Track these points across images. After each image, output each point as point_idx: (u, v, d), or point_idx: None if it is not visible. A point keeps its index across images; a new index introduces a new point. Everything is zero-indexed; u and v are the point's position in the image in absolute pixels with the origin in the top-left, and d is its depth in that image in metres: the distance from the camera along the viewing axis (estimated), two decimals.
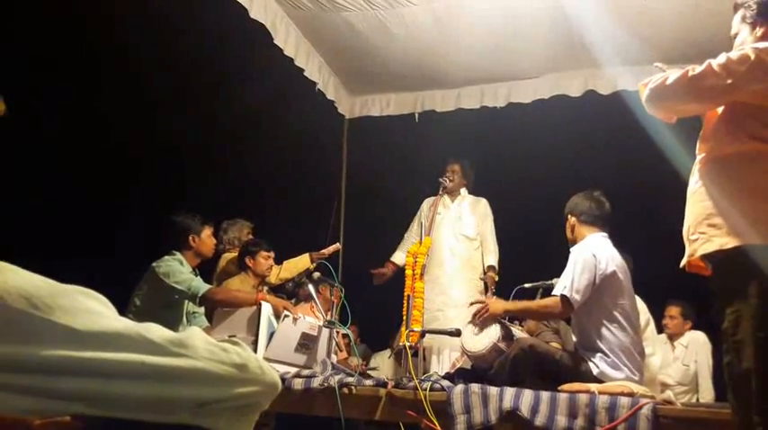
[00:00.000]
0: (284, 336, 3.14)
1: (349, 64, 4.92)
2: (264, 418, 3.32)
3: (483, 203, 4.82)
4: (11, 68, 4.77)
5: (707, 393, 4.66)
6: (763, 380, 1.66)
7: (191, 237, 3.72)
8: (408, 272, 3.89)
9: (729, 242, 1.78)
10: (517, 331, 3.15)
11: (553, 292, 3.01)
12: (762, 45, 1.85)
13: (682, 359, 4.77)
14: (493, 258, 4.71)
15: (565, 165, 5.87)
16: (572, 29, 4.04)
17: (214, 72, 5.90)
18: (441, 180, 4.65)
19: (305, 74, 4.63)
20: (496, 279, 4.66)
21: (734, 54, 1.85)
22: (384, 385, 2.74)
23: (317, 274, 3.70)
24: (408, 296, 3.75)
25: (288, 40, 4.33)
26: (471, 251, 4.69)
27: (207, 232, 3.82)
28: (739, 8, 2.07)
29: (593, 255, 2.98)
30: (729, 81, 1.82)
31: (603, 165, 5.69)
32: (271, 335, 3.11)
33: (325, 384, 2.73)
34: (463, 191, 4.82)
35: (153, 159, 6.14)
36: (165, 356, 0.93)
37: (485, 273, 4.69)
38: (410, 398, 2.63)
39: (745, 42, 2.01)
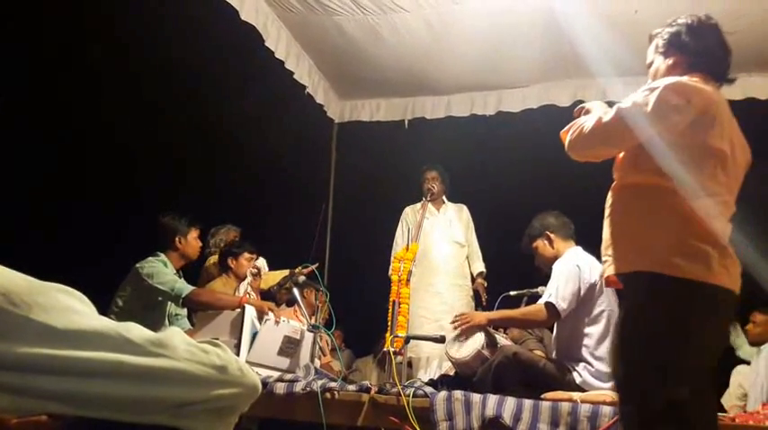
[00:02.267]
0: (266, 339, 3.11)
1: (339, 68, 4.92)
2: (247, 423, 3.30)
3: (465, 210, 4.84)
4: (10, 69, 4.75)
5: None
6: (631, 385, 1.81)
7: (177, 239, 3.68)
8: (394, 277, 3.87)
9: (622, 267, 1.91)
10: (501, 339, 3.16)
11: (539, 302, 3.03)
12: (665, 81, 1.92)
13: None
14: (481, 265, 4.74)
15: (552, 174, 5.89)
16: (563, 39, 4.07)
17: (203, 74, 5.88)
18: (428, 187, 4.66)
19: (295, 77, 4.63)
20: (485, 285, 4.68)
21: (639, 96, 1.92)
22: (367, 390, 2.73)
23: (302, 278, 3.68)
24: (394, 302, 3.74)
25: (279, 42, 4.32)
26: (462, 258, 4.70)
27: (193, 234, 3.77)
28: (654, 38, 2.15)
29: (577, 265, 3.01)
30: (636, 127, 1.91)
31: (590, 176, 5.71)
32: (253, 339, 3.09)
33: (308, 389, 2.71)
34: (443, 197, 4.83)
35: (142, 162, 6.11)
36: (144, 356, 0.92)
37: (473, 280, 4.70)
38: (393, 404, 2.63)
39: (658, 71, 2.10)
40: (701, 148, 1.87)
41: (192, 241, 3.74)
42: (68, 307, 0.92)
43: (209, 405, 0.96)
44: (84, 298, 0.97)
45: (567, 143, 2.09)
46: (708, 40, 2.04)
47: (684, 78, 1.95)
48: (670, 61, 2.07)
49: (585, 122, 2.02)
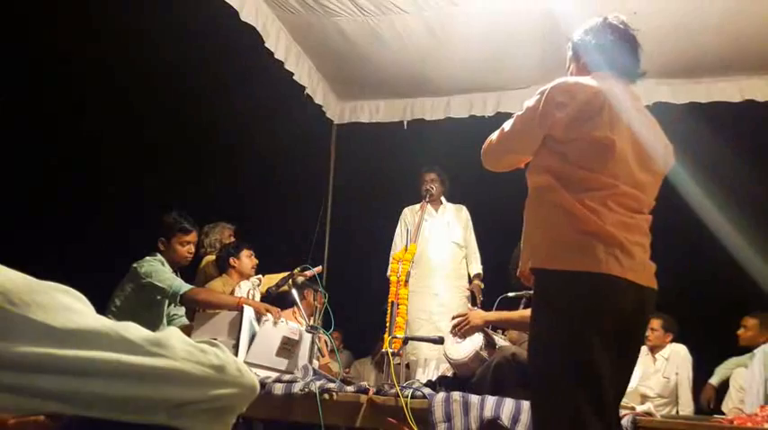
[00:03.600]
0: (265, 340, 3.11)
1: (339, 69, 4.92)
2: (244, 424, 3.29)
3: (464, 210, 4.84)
4: (10, 69, 4.75)
5: (687, 406, 4.69)
6: (536, 384, 1.90)
7: (159, 242, 3.58)
8: (393, 278, 3.87)
9: (523, 266, 2.04)
10: (500, 339, 3.15)
11: None
12: (550, 84, 2.00)
13: (662, 371, 4.80)
14: (478, 266, 4.73)
15: None
16: (562, 40, 4.04)
17: (203, 74, 5.88)
18: (427, 188, 4.66)
19: (294, 78, 4.63)
20: (482, 286, 4.67)
21: (532, 101, 2.02)
22: (365, 391, 2.73)
23: (300, 279, 3.68)
24: (392, 303, 3.74)
25: (278, 43, 4.32)
26: (460, 258, 4.70)
27: (182, 238, 3.60)
28: (568, 43, 2.27)
29: None
30: (531, 130, 2.01)
31: None
32: (252, 339, 3.08)
33: (306, 390, 2.71)
34: (442, 198, 4.84)
35: (141, 163, 6.11)
36: (142, 356, 0.92)
37: (470, 282, 4.70)
38: (391, 405, 2.62)
39: (571, 74, 2.19)
40: (586, 142, 1.92)
41: (175, 246, 3.59)
42: (67, 306, 0.92)
43: (207, 405, 0.97)
44: (83, 297, 0.97)
45: (482, 156, 2.21)
46: (610, 37, 2.12)
47: (572, 78, 2.06)
48: (579, 63, 2.18)
49: (493, 135, 2.15)
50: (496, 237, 4.96)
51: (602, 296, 1.81)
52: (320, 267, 3.90)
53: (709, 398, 4.92)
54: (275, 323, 3.16)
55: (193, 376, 0.95)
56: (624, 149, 1.92)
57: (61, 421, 0.90)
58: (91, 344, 0.90)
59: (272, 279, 4.20)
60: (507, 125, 2.09)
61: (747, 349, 4.79)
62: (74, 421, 0.90)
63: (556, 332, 1.84)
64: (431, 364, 4.35)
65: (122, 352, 0.91)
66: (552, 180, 1.94)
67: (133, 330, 0.94)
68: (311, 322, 3.49)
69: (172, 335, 0.98)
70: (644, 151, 1.98)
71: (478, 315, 3.14)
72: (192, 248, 3.72)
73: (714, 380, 5.00)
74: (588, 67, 2.13)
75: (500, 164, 2.19)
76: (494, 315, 3.16)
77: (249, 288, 4.11)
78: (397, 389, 2.65)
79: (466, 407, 2.50)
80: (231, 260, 4.03)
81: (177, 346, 0.96)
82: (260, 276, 4.19)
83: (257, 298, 4.01)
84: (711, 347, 5.14)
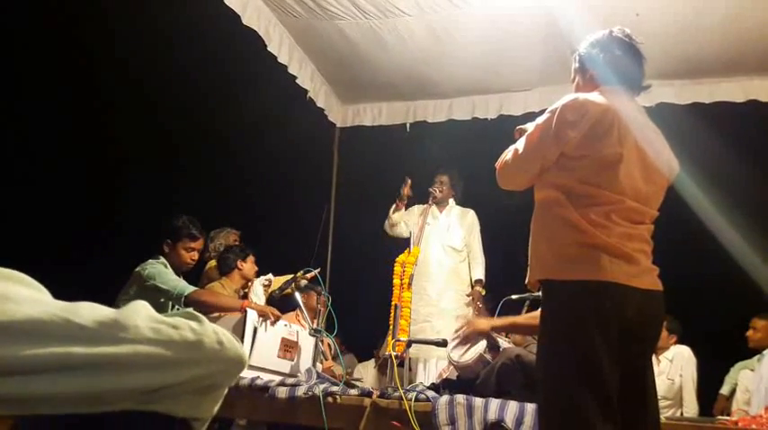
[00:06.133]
0: (265, 342, 3.12)
1: (341, 72, 4.92)
2: (253, 428, 3.29)
3: (471, 214, 4.82)
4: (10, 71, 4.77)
5: (691, 407, 4.67)
6: (545, 390, 1.91)
7: (164, 244, 3.58)
8: (396, 281, 3.87)
9: (530, 277, 2.08)
10: (503, 342, 3.14)
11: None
12: (564, 100, 2.03)
13: (666, 373, 4.78)
14: (480, 271, 4.69)
15: None
16: (564, 42, 4.06)
17: (205, 78, 5.89)
18: (431, 190, 4.66)
19: (297, 81, 4.63)
20: (483, 293, 4.64)
21: (543, 119, 2.05)
22: (369, 395, 2.73)
23: (303, 282, 3.68)
24: (396, 305, 3.74)
25: (281, 47, 4.33)
26: (458, 262, 4.67)
27: (188, 244, 3.61)
28: (573, 55, 2.28)
29: None
30: (546, 149, 2.03)
31: None
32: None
33: (310, 393, 2.71)
34: (451, 201, 4.82)
35: (144, 166, 6.13)
36: (96, 343, 0.80)
37: (471, 286, 4.67)
38: (395, 409, 2.62)
39: (578, 87, 2.23)
40: (595, 159, 1.95)
41: (180, 250, 3.60)
42: (2, 295, 0.80)
43: (186, 386, 0.87)
44: (26, 278, 0.86)
45: (497, 177, 2.23)
46: (616, 51, 2.13)
47: (582, 95, 2.06)
48: (586, 76, 2.19)
49: (507, 156, 2.17)
50: (499, 239, 4.95)
51: (607, 302, 1.85)
52: (319, 268, 3.91)
53: (722, 409, 4.89)
54: (272, 324, 3.16)
55: (163, 358, 0.83)
56: (631, 164, 1.96)
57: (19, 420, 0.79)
58: (32, 338, 0.78)
59: (278, 282, 4.21)
60: (520, 145, 2.11)
61: (755, 351, 4.76)
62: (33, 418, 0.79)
63: (563, 336, 1.88)
64: (431, 361, 4.34)
65: (72, 342, 0.79)
66: (559, 195, 1.98)
67: (86, 313, 0.82)
68: (314, 325, 3.49)
69: (134, 312, 0.86)
70: (650, 164, 2.02)
71: (483, 321, 3.14)
72: (196, 256, 3.73)
73: (725, 390, 4.97)
74: (595, 80, 2.15)
75: (516, 183, 2.21)
76: (500, 320, 3.15)
77: (261, 285, 4.12)
78: (401, 392, 2.64)
79: (470, 409, 2.50)
80: (239, 262, 4.04)
81: (141, 325, 0.84)
82: (270, 276, 4.19)
83: (262, 300, 4.01)
84: (719, 349, 5.12)
